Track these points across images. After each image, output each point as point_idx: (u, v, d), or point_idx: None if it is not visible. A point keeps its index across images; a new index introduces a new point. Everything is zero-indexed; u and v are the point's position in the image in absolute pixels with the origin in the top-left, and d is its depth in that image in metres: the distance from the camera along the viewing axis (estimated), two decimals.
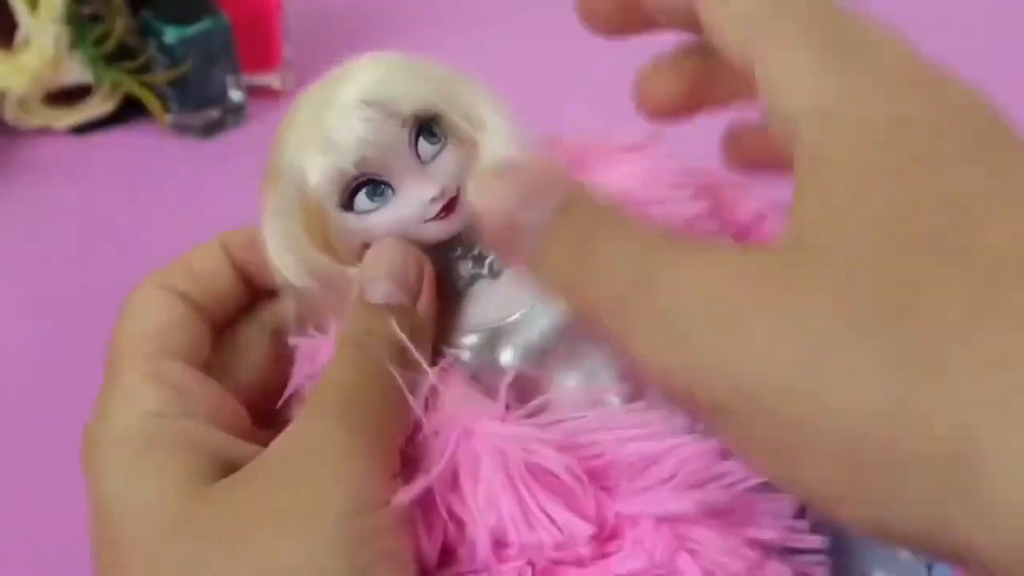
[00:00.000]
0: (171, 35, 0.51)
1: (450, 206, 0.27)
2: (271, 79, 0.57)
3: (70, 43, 0.51)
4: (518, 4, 0.66)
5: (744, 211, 0.31)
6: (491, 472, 0.24)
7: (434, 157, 0.28)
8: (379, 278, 0.26)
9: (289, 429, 0.24)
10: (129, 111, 0.54)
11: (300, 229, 0.27)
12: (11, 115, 0.53)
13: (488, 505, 0.24)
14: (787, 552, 0.25)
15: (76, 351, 0.43)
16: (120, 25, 0.52)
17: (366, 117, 0.26)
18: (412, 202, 0.27)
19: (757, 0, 0.21)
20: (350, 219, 0.27)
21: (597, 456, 0.25)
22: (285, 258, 0.27)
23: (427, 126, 0.28)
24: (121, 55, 0.53)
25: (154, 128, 0.54)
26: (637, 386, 0.27)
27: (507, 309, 0.27)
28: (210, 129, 0.54)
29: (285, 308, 0.29)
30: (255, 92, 0.56)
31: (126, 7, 0.53)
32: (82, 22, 0.52)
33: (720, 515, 0.25)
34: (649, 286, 0.19)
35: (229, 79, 0.54)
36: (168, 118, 0.54)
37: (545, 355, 0.27)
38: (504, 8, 0.66)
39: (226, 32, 0.52)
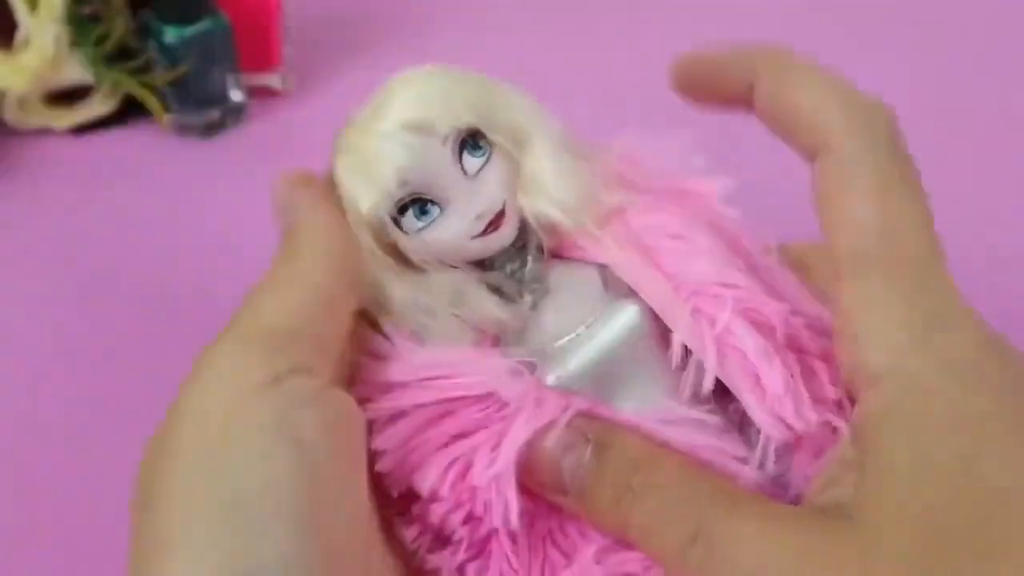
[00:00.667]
0: (171, 35, 0.51)
1: (496, 221, 0.27)
2: (271, 79, 0.57)
3: (70, 43, 0.51)
4: (518, 4, 0.66)
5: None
6: None
7: (479, 170, 0.28)
8: None
9: None
10: (129, 111, 0.54)
11: (375, 248, 0.27)
12: (11, 115, 0.53)
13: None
14: None
15: (77, 350, 0.43)
16: (120, 25, 0.52)
17: (406, 142, 0.27)
18: (459, 219, 0.27)
19: (878, 235, 0.23)
20: (402, 238, 0.27)
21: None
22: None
23: (470, 140, 0.28)
24: (121, 55, 0.53)
25: (154, 128, 0.54)
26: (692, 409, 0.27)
27: (557, 331, 0.28)
28: (210, 129, 0.54)
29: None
30: (255, 92, 0.56)
31: (126, 7, 0.53)
32: (82, 22, 0.52)
33: None
34: (708, 545, 0.21)
35: (229, 79, 0.54)
36: (168, 118, 0.54)
37: (593, 381, 0.27)
38: (504, 9, 0.66)
39: (226, 32, 0.52)
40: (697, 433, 0.26)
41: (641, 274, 0.28)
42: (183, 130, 0.54)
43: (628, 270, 0.28)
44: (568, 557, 0.26)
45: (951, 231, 0.49)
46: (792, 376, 0.26)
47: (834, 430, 0.25)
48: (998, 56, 0.62)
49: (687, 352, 0.27)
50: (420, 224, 0.27)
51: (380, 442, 0.26)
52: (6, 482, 0.38)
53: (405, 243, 0.27)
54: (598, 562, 0.25)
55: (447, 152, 0.27)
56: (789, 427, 0.26)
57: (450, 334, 0.27)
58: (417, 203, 0.27)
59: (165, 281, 0.46)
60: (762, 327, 0.27)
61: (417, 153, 0.27)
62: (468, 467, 0.25)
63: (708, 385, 0.26)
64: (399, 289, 0.27)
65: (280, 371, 0.23)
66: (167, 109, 0.53)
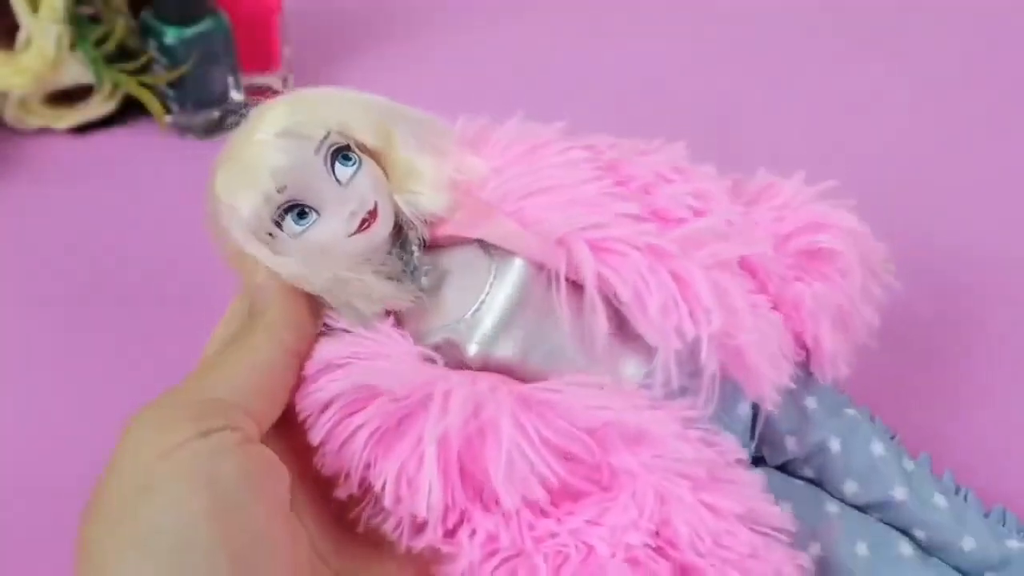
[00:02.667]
0: (171, 36, 0.51)
1: (369, 219, 0.30)
2: (271, 79, 0.57)
3: (71, 44, 0.52)
4: (517, 4, 0.66)
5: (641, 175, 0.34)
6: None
7: (351, 178, 0.31)
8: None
9: None
10: (129, 112, 0.54)
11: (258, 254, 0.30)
12: (12, 115, 0.53)
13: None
14: (750, 518, 0.29)
15: (77, 350, 0.43)
16: (120, 26, 0.52)
17: (282, 147, 0.30)
18: (335, 220, 0.30)
19: None
20: (285, 243, 0.30)
21: (597, 423, 0.28)
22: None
23: (341, 152, 0.31)
24: (121, 56, 0.53)
25: (154, 128, 0.54)
26: (608, 359, 0.31)
27: (464, 306, 0.31)
28: (210, 129, 0.54)
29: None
30: (255, 92, 0.56)
31: (127, 8, 0.53)
32: (83, 23, 0.52)
33: (699, 487, 0.28)
34: None
35: (229, 79, 0.54)
36: (168, 118, 0.54)
37: (509, 338, 0.31)
38: (502, 8, 0.66)
39: (226, 33, 0.52)
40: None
41: (514, 235, 0.31)
42: (183, 130, 0.54)
43: (501, 236, 0.31)
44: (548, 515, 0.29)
45: (950, 230, 0.49)
46: (672, 290, 0.30)
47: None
48: (998, 56, 0.62)
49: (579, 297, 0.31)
50: (299, 228, 0.30)
51: (313, 436, 0.28)
52: (4, 482, 0.38)
53: (287, 248, 0.30)
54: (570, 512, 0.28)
55: (319, 160, 0.30)
56: (676, 337, 0.30)
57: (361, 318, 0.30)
58: (295, 208, 0.30)
59: (165, 280, 0.46)
60: (637, 249, 0.31)
61: (293, 156, 0.30)
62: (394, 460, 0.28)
63: (602, 321, 0.30)
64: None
65: (209, 427, 0.25)
66: (167, 109, 0.54)
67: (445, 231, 0.32)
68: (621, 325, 0.31)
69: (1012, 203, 0.51)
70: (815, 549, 0.32)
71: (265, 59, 0.56)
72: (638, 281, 0.30)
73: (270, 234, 0.30)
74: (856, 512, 0.34)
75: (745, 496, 0.29)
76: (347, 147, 0.31)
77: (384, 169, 0.32)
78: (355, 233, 0.30)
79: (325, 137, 0.30)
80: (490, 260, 0.31)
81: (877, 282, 0.36)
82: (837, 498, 0.34)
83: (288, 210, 0.30)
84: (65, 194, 0.51)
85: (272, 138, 0.30)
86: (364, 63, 0.60)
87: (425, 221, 0.31)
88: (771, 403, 0.32)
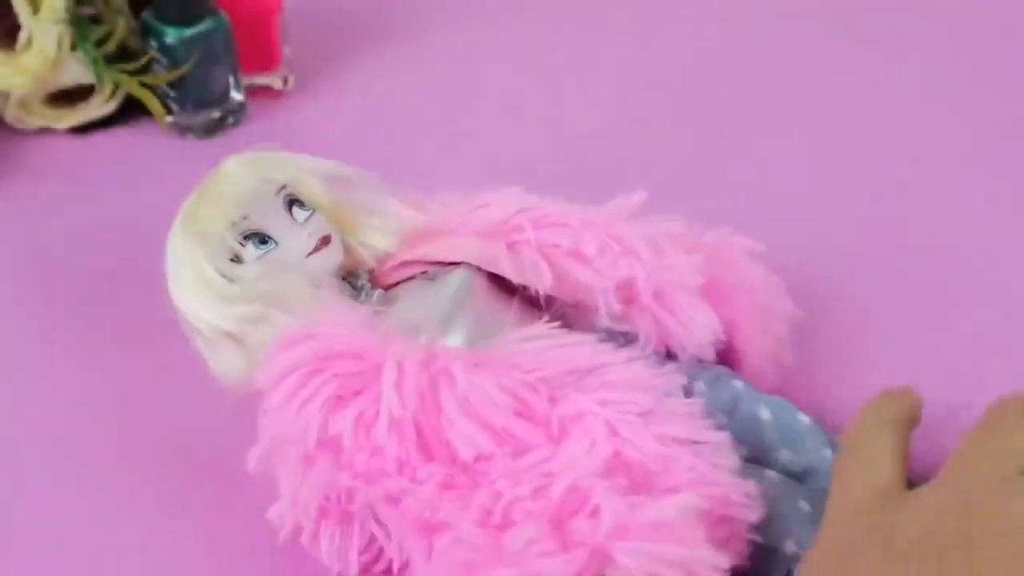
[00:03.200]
0: (172, 36, 0.51)
1: (324, 240, 0.36)
2: (271, 79, 0.57)
3: (71, 44, 0.52)
4: (517, 4, 0.66)
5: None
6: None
7: (306, 220, 0.37)
8: None
9: None
10: (130, 112, 0.54)
11: (211, 275, 0.35)
12: (12, 116, 0.53)
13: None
14: (696, 444, 0.31)
15: (77, 349, 0.43)
16: (121, 26, 0.52)
17: (247, 177, 0.36)
18: (293, 242, 0.36)
19: None
20: (247, 268, 0.36)
21: (544, 371, 0.31)
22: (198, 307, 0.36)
23: (297, 201, 0.37)
24: (122, 56, 0.53)
25: (155, 129, 0.54)
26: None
27: (412, 318, 0.34)
28: (211, 129, 0.54)
29: None
30: (255, 92, 0.56)
31: (127, 8, 0.53)
32: (83, 23, 0.52)
33: (643, 414, 0.30)
34: None
35: (230, 79, 0.54)
36: (169, 119, 0.54)
37: (457, 334, 0.34)
38: (502, 8, 0.66)
39: (226, 33, 0.52)
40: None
41: (455, 246, 0.36)
42: (184, 130, 0.54)
43: (444, 250, 0.36)
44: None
45: (952, 229, 0.49)
46: (607, 237, 0.35)
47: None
48: (999, 57, 0.62)
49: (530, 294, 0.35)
50: (259, 252, 0.36)
51: (274, 399, 0.31)
52: (5, 481, 0.38)
53: (249, 272, 0.35)
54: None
55: (279, 201, 0.36)
56: (607, 277, 0.35)
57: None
58: (256, 236, 0.36)
59: (165, 281, 0.46)
60: (563, 224, 0.35)
61: (256, 189, 0.36)
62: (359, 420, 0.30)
63: (547, 280, 0.34)
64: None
65: None
66: (168, 109, 0.54)
67: (393, 263, 0.37)
68: (562, 316, 0.35)
69: (1014, 204, 0.51)
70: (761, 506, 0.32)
71: (266, 59, 0.56)
72: (575, 234, 0.35)
73: (233, 259, 0.36)
74: (793, 479, 0.35)
75: (689, 423, 0.31)
76: (301, 200, 0.37)
77: (335, 223, 0.37)
78: (312, 253, 0.36)
79: (283, 187, 0.37)
80: (434, 281, 0.36)
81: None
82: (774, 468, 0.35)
83: (249, 237, 0.36)
84: (65, 194, 0.51)
85: (239, 168, 0.36)
86: (364, 63, 0.60)
87: (375, 259, 0.37)
88: (707, 350, 0.36)
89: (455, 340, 0.33)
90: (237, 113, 0.55)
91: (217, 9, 0.52)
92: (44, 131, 0.54)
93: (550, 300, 0.36)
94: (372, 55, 0.61)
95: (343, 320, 0.32)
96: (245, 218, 0.36)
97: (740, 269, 0.37)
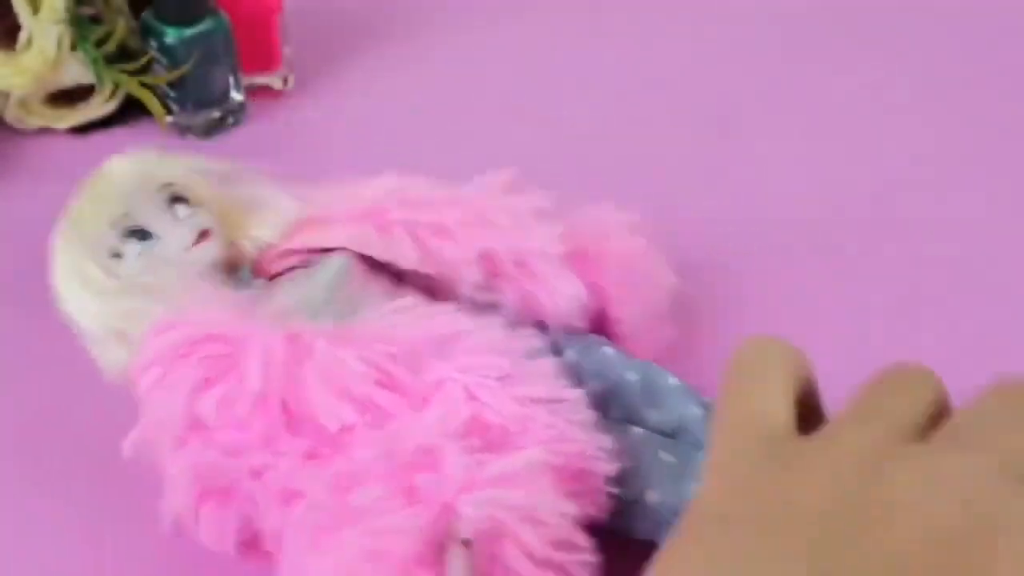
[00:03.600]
0: (172, 36, 0.51)
1: (204, 235, 0.37)
2: (271, 79, 0.57)
3: (71, 44, 0.52)
4: (517, 4, 0.66)
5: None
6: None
7: (188, 217, 0.37)
8: None
9: None
10: (130, 112, 0.54)
11: (93, 272, 0.36)
12: (12, 116, 0.53)
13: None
14: (553, 403, 0.32)
15: (76, 349, 0.43)
16: (121, 26, 0.52)
17: (129, 173, 0.38)
18: (174, 237, 0.37)
19: None
20: (127, 263, 0.37)
21: (405, 343, 0.32)
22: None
23: (180, 199, 0.38)
24: (122, 56, 0.53)
25: (155, 129, 0.54)
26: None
27: (290, 303, 0.36)
28: (211, 129, 0.54)
29: None
30: (255, 92, 0.56)
31: (127, 8, 0.53)
32: (83, 23, 0.52)
33: (502, 377, 0.32)
34: None
35: (230, 79, 0.54)
36: (169, 119, 0.54)
37: (325, 315, 0.35)
38: (502, 8, 0.66)
39: (226, 33, 0.52)
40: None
41: (330, 236, 0.37)
42: (184, 130, 0.54)
43: (318, 238, 0.37)
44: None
45: (952, 229, 0.49)
46: (469, 210, 0.37)
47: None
48: (999, 56, 0.62)
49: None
50: (140, 248, 0.37)
51: (145, 381, 0.33)
52: (3, 481, 0.38)
53: (131, 268, 0.37)
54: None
55: (161, 198, 0.37)
56: (468, 248, 0.36)
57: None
58: (137, 232, 0.37)
59: None
60: (429, 202, 0.37)
61: (137, 187, 0.37)
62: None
63: (412, 256, 0.36)
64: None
65: None
66: (168, 110, 0.54)
67: (275, 252, 0.38)
68: (432, 291, 0.37)
69: (1014, 204, 0.51)
70: (622, 459, 0.33)
71: (265, 59, 0.56)
72: (439, 211, 0.37)
73: (115, 256, 0.37)
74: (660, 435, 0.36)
75: (546, 383, 0.32)
76: (185, 198, 0.37)
77: (218, 218, 0.38)
78: (192, 246, 0.37)
79: (168, 184, 0.37)
80: (311, 269, 0.37)
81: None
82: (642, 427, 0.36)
83: (131, 234, 0.37)
84: (65, 194, 0.51)
85: (120, 167, 0.38)
86: (364, 63, 0.60)
87: (258, 250, 0.38)
88: (574, 318, 0.37)
89: (326, 324, 0.34)
90: (237, 113, 0.55)
91: (217, 9, 0.52)
92: (44, 131, 0.54)
93: (421, 277, 0.37)
94: (372, 55, 0.61)
95: (214, 306, 0.33)
96: (125, 215, 0.37)
97: (612, 240, 0.39)
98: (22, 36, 0.51)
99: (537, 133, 0.55)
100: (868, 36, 0.64)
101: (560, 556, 0.29)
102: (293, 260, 0.37)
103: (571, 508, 0.30)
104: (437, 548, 0.28)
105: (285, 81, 0.57)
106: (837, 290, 0.46)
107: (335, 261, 0.37)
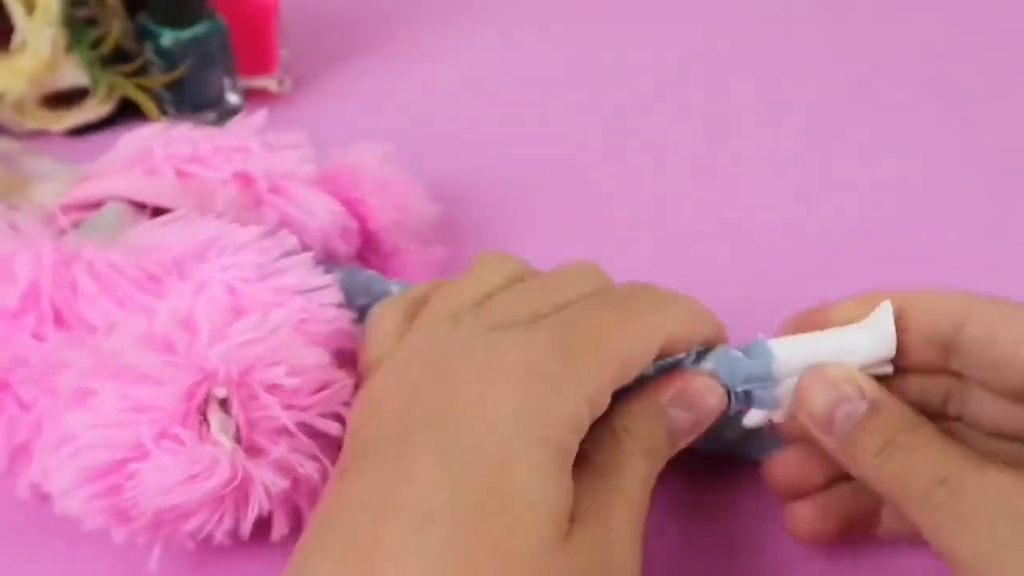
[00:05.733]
0: (167, 38, 0.51)
1: None
2: (268, 82, 0.57)
3: (66, 46, 0.51)
4: (517, 4, 0.66)
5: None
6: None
7: None
8: (697, 416, 0.31)
9: (598, 540, 0.27)
10: (125, 114, 0.54)
11: None
12: (7, 118, 0.53)
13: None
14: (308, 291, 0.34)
15: None
16: (116, 28, 0.52)
17: None
18: None
19: (1009, 529, 0.25)
20: None
21: (172, 250, 0.34)
22: None
23: None
24: (117, 58, 0.53)
25: None
26: None
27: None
28: None
29: None
30: (251, 95, 0.56)
31: (123, 10, 0.53)
32: (78, 25, 0.52)
33: (260, 273, 0.33)
34: (957, 489, 0.26)
35: (226, 82, 0.54)
36: (164, 121, 0.53)
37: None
38: (500, 10, 0.66)
39: (222, 35, 0.52)
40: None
41: (100, 188, 0.38)
42: None
43: (88, 193, 0.38)
44: None
45: (952, 229, 0.49)
46: (217, 145, 0.39)
47: None
48: (999, 56, 0.62)
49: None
50: None
51: None
52: None
53: None
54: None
55: None
56: (222, 171, 0.38)
57: None
58: None
59: None
60: (186, 140, 0.39)
61: None
62: None
63: (170, 187, 0.37)
64: None
65: None
66: (163, 112, 0.53)
67: (63, 204, 0.38)
68: None
69: (1014, 203, 0.51)
70: None
71: (262, 61, 0.56)
72: (195, 143, 0.39)
73: None
74: None
75: (300, 274, 0.34)
76: None
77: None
78: None
79: None
80: (83, 224, 0.37)
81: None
82: None
83: None
84: None
85: None
86: (360, 66, 0.60)
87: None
88: (334, 236, 0.40)
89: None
90: (233, 116, 0.55)
91: (213, 11, 0.52)
92: (39, 133, 0.54)
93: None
94: (368, 58, 0.61)
95: None
96: None
97: (370, 167, 0.42)
98: (16, 38, 0.51)
99: (536, 133, 0.55)
100: (868, 35, 0.64)
101: (322, 401, 0.31)
102: (72, 217, 0.38)
103: (322, 356, 0.32)
104: (197, 407, 0.30)
105: (282, 83, 0.57)
106: (836, 289, 0.46)
107: (108, 209, 0.37)
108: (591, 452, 0.28)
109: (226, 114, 0.54)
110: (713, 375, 0.31)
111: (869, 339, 0.30)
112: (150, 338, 0.31)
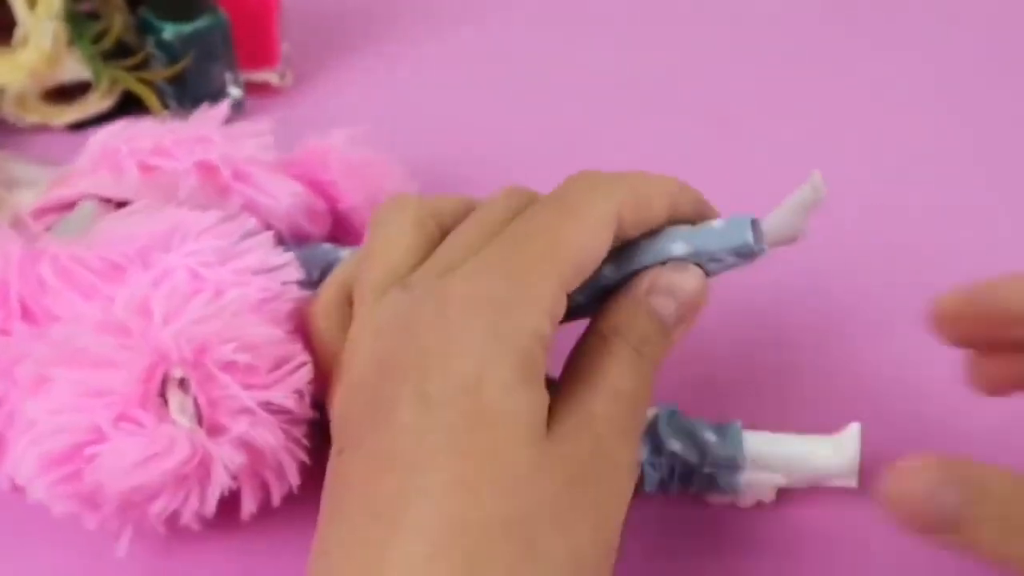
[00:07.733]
0: (169, 32, 0.51)
1: None
2: (270, 76, 0.57)
3: (68, 40, 0.51)
4: (517, 4, 0.66)
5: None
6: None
7: None
8: (680, 300, 0.31)
9: (582, 427, 0.28)
10: (127, 108, 0.54)
11: None
12: (9, 112, 0.53)
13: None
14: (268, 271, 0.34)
15: None
16: (118, 22, 0.52)
17: None
18: None
19: None
20: None
21: (136, 242, 0.34)
22: None
23: None
24: (119, 52, 0.53)
25: None
26: None
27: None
28: None
29: None
30: (253, 89, 0.56)
31: (124, 4, 0.53)
32: (80, 19, 0.52)
33: (221, 257, 0.34)
34: None
35: (227, 76, 0.54)
36: (166, 115, 0.53)
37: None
38: (501, 7, 0.66)
39: (224, 29, 0.52)
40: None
41: (72, 188, 0.38)
42: None
43: (62, 194, 0.38)
44: None
45: (952, 229, 0.49)
46: (179, 136, 0.40)
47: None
48: (999, 56, 0.62)
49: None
50: None
51: None
52: None
53: None
54: None
55: None
56: (184, 161, 0.39)
57: None
58: None
59: None
60: (148, 135, 0.40)
61: None
62: None
63: (133, 180, 0.38)
64: None
65: None
66: (165, 106, 0.54)
67: (31, 213, 0.39)
68: None
69: (1014, 204, 0.51)
70: None
71: (264, 56, 0.56)
72: (158, 137, 0.39)
73: None
74: None
75: (260, 255, 0.34)
76: None
77: None
78: None
79: None
80: (57, 225, 0.38)
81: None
82: None
83: None
84: None
85: None
86: (363, 60, 0.60)
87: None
88: (300, 218, 0.40)
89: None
90: (235, 109, 0.55)
91: (215, 5, 0.52)
92: (41, 127, 0.54)
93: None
94: (370, 52, 0.61)
95: None
96: None
97: (339, 150, 0.43)
98: (18, 32, 0.51)
99: (536, 131, 0.55)
100: (869, 36, 0.64)
101: (282, 378, 0.32)
102: (48, 219, 0.38)
103: (279, 333, 0.32)
104: (157, 389, 0.30)
105: (283, 77, 0.57)
106: (835, 289, 0.46)
107: (82, 207, 0.38)
108: (581, 359, 0.29)
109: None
110: (691, 257, 0.31)
111: (834, 453, 0.34)
112: (105, 324, 0.31)
